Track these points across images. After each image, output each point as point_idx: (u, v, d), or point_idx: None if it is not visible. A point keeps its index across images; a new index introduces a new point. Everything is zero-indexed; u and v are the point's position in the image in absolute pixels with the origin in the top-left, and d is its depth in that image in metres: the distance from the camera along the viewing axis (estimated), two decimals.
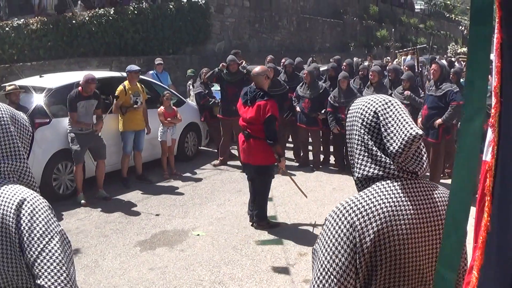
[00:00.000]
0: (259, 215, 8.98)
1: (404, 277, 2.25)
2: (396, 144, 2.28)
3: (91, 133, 10.13)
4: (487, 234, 1.69)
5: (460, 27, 53.86)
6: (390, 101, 2.45)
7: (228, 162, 13.26)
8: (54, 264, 2.30)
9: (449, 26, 56.01)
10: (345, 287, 2.15)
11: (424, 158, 2.42)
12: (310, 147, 13.35)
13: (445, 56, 29.71)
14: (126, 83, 11.26)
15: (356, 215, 2.20)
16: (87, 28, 19.06)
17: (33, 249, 2.30)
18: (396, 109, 2.40)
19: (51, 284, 2.25)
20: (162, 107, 12.10)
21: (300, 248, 8.03)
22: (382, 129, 2.35)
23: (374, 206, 2.23)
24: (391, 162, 2.33)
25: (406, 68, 14.44)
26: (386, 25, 41.57)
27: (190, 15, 22.57)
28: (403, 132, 2.29)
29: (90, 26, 19.10)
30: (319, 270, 2.19)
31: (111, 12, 19.84)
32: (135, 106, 11.12)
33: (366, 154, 2.38)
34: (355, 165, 2.42)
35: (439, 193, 2.44)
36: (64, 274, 2.30)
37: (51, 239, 2.34)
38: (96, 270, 7.30)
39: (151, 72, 16.02)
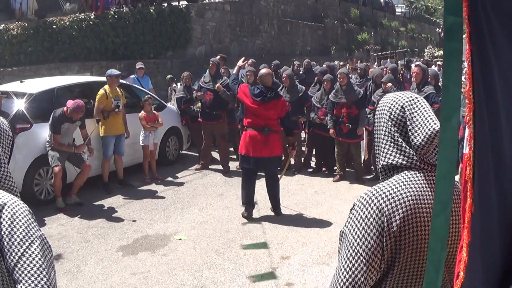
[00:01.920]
0: (278, 202, 9.84)
1: (423, 261, 2.36)
2: (420, 138, 2.46)
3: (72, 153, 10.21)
4: (471, 215, 1.94)
5: (437, 29, 53.95)
6: (416, 97, 2.63)
7: (210, 166, 13.24)
8: (35, 268, 2.29)
9: (430, 29, 56.24)
10: (372, 267, 2.30)
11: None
12: None
13: (421, 59, 29.79)
14: (106, 87, 11.20)
15: (385, 201, 2.35)
16: (68, 33, 18.99)
17: (14, 253, 2.29)
18: (422, 105, 2.58)
19: None
20: (143, 112, 12.07)
21: (283, 252, 8.05)
22: (408, 123, 2.52)
23: (401, 194, 2.38)
24: (415, 154, 2.50)
25: (389, 71, 14.51)
26: (367, 29, 41.72)
27: (171, 19, 22.56)
28: (427, 127, 2.46)
29: (70, 31, 19.02)
30: (348, 250, 2.33)
31: (92, 17, 19.79)
32: (116, 110, 11.08)
33: (392, 144, 2.56)
34: (381, 154, 2.60)
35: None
36: (45, 279, 2.29)
37: (32, 244, 2.34)
38: (78, 275, 7.26)
39: (132, 76, 16.00)
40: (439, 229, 1.93)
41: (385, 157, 2.57)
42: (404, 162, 2.50)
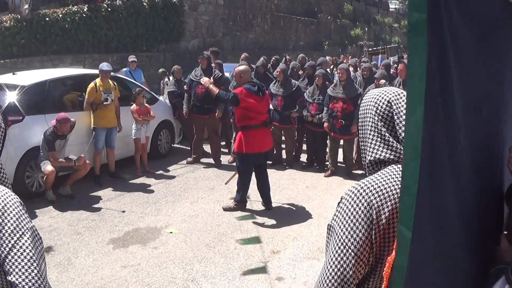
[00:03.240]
0: (270, 197, 9.95)
1: None
2: None
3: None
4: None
5: None
6: (402, 92, 2.62)
7: (201, 160, 13.24)
8: (25, 260, 2.30)
9: None
10: (361, 260, 2.29)
11: None
12: (283, 145, 13.41)
13: (406, 55, 29.84)
14: (97, 80, 11.21)
15: (373, 194, 2.34)
16: (61, 26, 18.97)
17: (4, 245, 2.30)
18: None
19: (22, 281, 2.26)
20: (135, 105, 12.06)
21: (274, 246, 8.07)
22: (395, 117, 2.52)
23: (389, 186, 2.37)
24: (402, 148, 2.47)
25: (382, 67, 14.54)
26: (361, 24, 41.80)
27: (164, 13, 22.59)
28: None
29: (63, 23, 19.02)
30: (337, 244, 2.33)
31: (85, 10, 19.76)
32: (105, 103, 11.06)
33: (379, 139, 2.55)
34: (368, 149, 2.59)
35: None
36: (35, 271, 2.30)
37: (22, 235, 2.35)
38: (69, 268, 7.26)
39: (124, 69, 15.98)
40: (405, 212, 2.00)
41: (372, 152, 2.57)
42: (391, 156, 2.51)
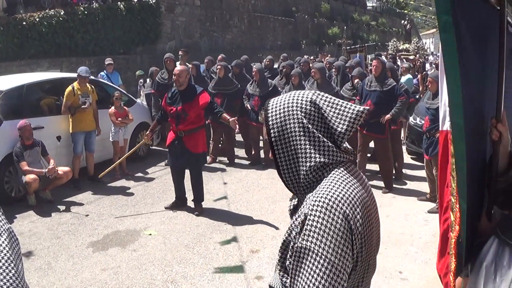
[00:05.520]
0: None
1: (371, 254, 2.43)
2: (344, 124, 2.37)
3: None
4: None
5: (403, 21, 54.04)
6: (315, 91, 2.55)
7: None
8: (3, 261, 2.35)
9: (401, 23, 56.69)
10: (347, 272, 2.23)
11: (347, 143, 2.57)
12: (261, 145, 13.49)
13: (384, 53, 29.93)
14: (75, 84, 11.23)
15: (345, 205, 2.25)
16: (38, 30, 18.93)
17: None
18: (326, 95, 2.50)
19: (0, 281, 2.31)
20: (113, 107, 12.09)
21: (252, 245, 8.14)
22: (325, 114, 2.40)
23: (353, 194, 2.31)
24: (336, 147, 2.40)
25: (354, 64, 14.65)
26: (338, 23, 41.89)
27: (141, 15, 22.60)
28: (347, 111, 2.39)
29: (40, 27, 18.96)
30: (322, 265, 2.18)
31: (62, 13, 19.72)
32: (83, 106, 11.09)
33: (313, 143, 2.39)
34: (302, 156, 2.41)
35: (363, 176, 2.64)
36: (13, 271, 2.35)
37: None
38: (49, 272, 7.30)
39: (101, 73, 15.97)
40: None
41: (310, 158, 2.39)
42: (332, 157, 2.38)
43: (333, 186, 2.31)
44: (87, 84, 11.48)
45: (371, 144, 11.84)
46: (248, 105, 12.75)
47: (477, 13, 3.17)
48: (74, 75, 11.62)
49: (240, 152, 14.28)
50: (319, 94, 2.49)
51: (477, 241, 3.40)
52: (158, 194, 10.90)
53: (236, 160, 13.72)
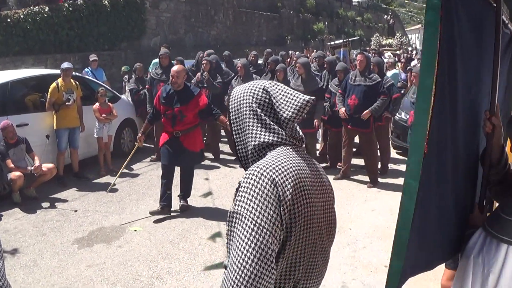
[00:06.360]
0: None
1: (311, 231, 2.50)
2: (290, 111, 2.58)
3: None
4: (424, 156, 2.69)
5: (385, 16, 54.12)
6: (273, 82, 2.77)
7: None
8: None
9: (385, 18, 56.77)
10: (275, 238, 2.30)
11: (300, 132, 2.76)
12: None
13: (368, 48, 29.97)
14: (59, 80, 11.20)
15: (276, 172, 2.37)
16: (22, 27, 18.83)
17: None
18: (281, 85, 2.72)
19: None
20: (97, 104, 12.07)
21: None
22: (274, 101, 2.62)
23: (287, 165, 2.44)
24: (283, 131, 2.61)
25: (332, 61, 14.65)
26: (323, 18, 41.92)
27: (125, 11, 22.55)
28: (295, 100, 2.61)
29: (25, 24, 18.87)
30: (249, 227, 2.28)
31: (46, 10, 19.64)
32: (67, 103, 11.06)
33: (260, 125, 2.62)
34: (249, 137, 2.64)
35: (317, 163, 2.83)
36: None
37: None
38: (35, 269, 7.29)
39: (85, 69, 15.92)
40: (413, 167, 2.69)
41: (255, 137, 2.61)
42: (276, 139, 2.57)
43: (268, 158, 2.49)
44: (71, 80, 11.44)
45: (357, 139, 11.88)
46: None
47: (473, 7, 3.23)
48: (59, 71, 11.55)
49: (224, 147, 14.29)
50: (274, 84, 2.72)
51: (469, 231, 3.48)
52: (143, 190, 10.90)
53: (221, 156, 13.73)
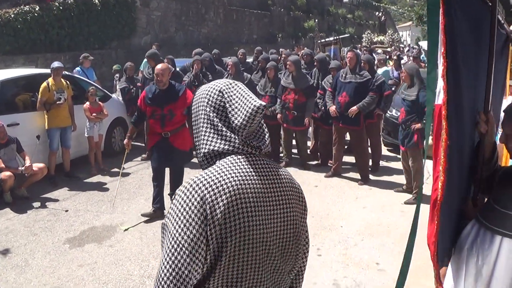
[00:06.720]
0: None
1: (252, 250, 2.33)
2: (241, 118, 2.41)
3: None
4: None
5: (377, 12, 54.16)
6: (233, 82, 2.61)
7: None
8: None
9: (376, 15, 56.81)
10: (197, 258, 2.20)
11: (266, 136, 2.57)
12: None
13: (358, 45, 30.02)
14: (50, 80, 11.17)
15: (206, 189, 2.25)
16: (12, 26, 18.78)
17: None
18: (240, 88, 2.56)
19: None
20: (87, 103, 12.05)
21: None
22: (227, 105, 2.47)
23: (223, 179, 2.30)
24: (236, 138, 2.44)
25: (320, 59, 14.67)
26: (314, 16, 41.93)
27: (116, 10, 22.51)
28: (247, 106, 2.42)
29: (15, 23, 18.81)
30: (170, 242, 2.24)
31: (37, 9, 19.59)
32: (58, 102, 11.04)
33: (212, 131, 2.48)
34: (202, 142, 2.51)
35: (281, 169, 2.61)
36: None
37: None
38: (26, 269, 7.28)
39: (77, 69, 15.87)
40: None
41: (206, 144, 2.48)
42: (226, 147, 2.44)
43: (209, 171, 2.37)
44: (62, 79, 11.43)
45: (348, 137, 11.91)
46: None
47: (472, 7, 3.29)
48: (49, 71, 11.52)
49: None
50: (232, 85, 2.57)
51: (463, 222, 3.53)
52: (134, 189, 10.89)
53: None
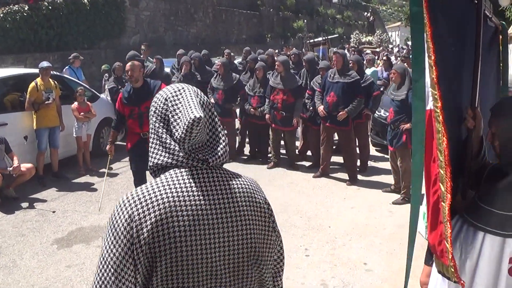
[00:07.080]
0: None
1: (189, 269, 2.21)
2: (180, 130, 2.26)
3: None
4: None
5: (365, 13, 54.20)
6: (183, 87, 2.46)
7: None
8: None
9: (365, 15, 56.86)
10: (123, 278, 2.13)
11: (221, 147, 2.42)
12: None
13: (346, 46, 30.06)
14: (38, 79, 11.15)
15: (136, 206, 2.18)
16: (1, 26, 18.74)
17: None
18: (186, 95, 2.40)
19: None
20: (75, 103, 12.03)
21: None
22: (170, 115, 2.35)
23: (155, 196, 2.20)
24: (180, 150, 2.31)
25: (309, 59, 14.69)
26: (303, 16, 41.99)
27: (105, 9, 22.53)
28: (184, 117, 2.26)
29: (4, 23, 18.78)
30: (100, 260, 2.19)
31: (26, 8, 19.56)
32: (46, 102, 11.01)
33: (158, 142, 2.36)
34: (150, 154, 2.39)
35: (239, 182, 2.45)
36: None
37: None
38: (14, 270, 7.27)
39: (66, 68, 15.85)
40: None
41: (151, 157, 2.37)
42: (170, 160, 2.32)
43: (144, 187, 2.29)
44: (50, 79, 11.40)
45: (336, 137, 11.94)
46: (212, 99, 12.72)
47: (454, 4, 3.30)
48: (37, 70, 11.50)
49: None
50: (179, 91, 2.43)
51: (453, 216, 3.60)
52: (122, 189, 10.89)
53: None
